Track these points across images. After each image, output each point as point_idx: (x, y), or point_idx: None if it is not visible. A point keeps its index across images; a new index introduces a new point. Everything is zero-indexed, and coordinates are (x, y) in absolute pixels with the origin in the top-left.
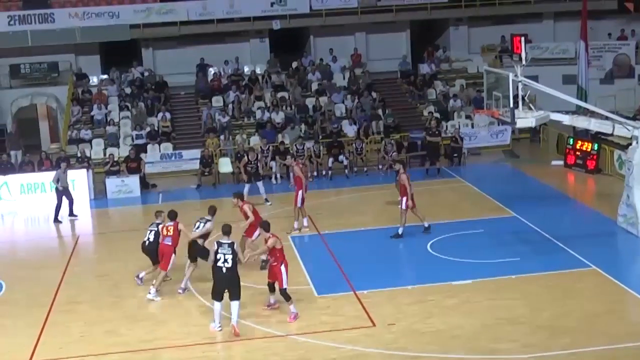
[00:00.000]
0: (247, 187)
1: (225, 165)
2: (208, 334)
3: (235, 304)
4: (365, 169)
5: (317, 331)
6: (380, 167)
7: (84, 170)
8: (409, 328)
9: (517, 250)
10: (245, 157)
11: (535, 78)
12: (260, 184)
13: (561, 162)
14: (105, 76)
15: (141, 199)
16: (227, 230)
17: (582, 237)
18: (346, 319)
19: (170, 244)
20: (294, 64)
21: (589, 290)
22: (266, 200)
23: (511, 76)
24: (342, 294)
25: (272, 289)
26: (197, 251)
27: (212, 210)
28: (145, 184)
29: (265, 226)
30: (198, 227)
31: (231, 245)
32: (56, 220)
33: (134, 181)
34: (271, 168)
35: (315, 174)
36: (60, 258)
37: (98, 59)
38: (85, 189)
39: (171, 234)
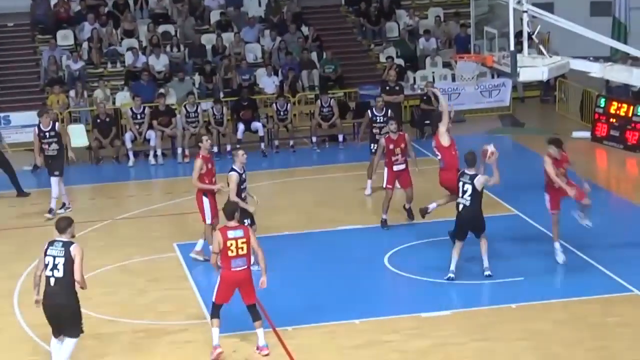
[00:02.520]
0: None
1: (78, 136)
2: None
3: (69, 344)
4: (291, 142)
5: None
6: (313, 139)
7: None
8: None
9: (519, 265)
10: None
11: (549, 7)
12: (55, 181)
13: (587, 134)
14: None
15: None
16: (63, 225)
17: (618, 247)
18: None
19: None
20: None
21: (629, 327)
22: (63, 204)
23: (512, 3)
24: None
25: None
26: None
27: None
28: None
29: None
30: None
31: (66, 245)
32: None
33: None
34: (148, 141)
35: (215, 149)
36: None
37: None
38: None
39: None
